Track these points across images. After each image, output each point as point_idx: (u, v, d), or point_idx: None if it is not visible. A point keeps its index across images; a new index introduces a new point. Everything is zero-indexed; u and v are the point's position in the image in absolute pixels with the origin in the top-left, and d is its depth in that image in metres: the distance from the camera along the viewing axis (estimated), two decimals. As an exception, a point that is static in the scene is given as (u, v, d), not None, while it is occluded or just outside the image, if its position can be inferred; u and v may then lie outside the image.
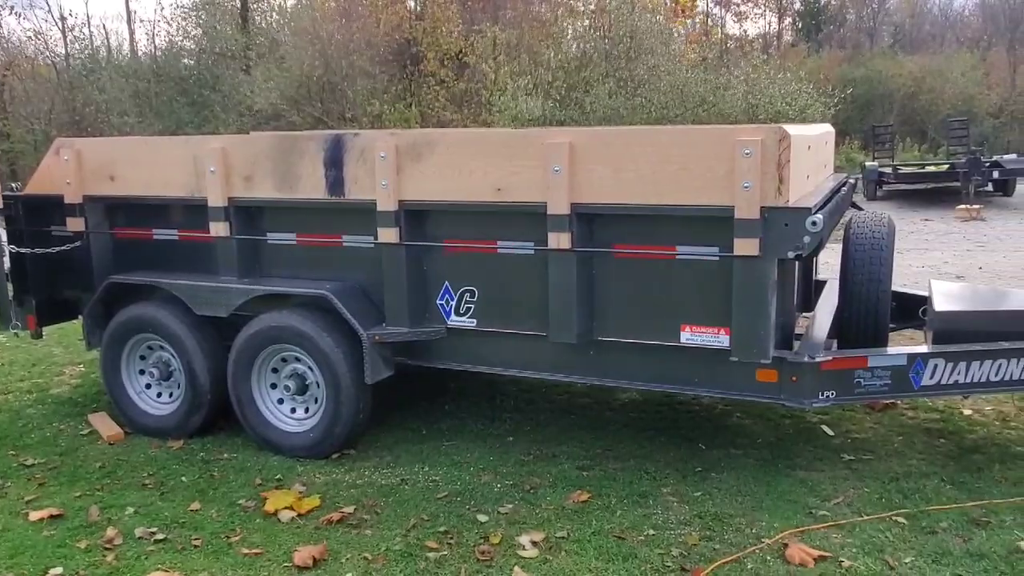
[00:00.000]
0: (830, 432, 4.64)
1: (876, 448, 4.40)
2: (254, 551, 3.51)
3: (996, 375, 3.88)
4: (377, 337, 4.22)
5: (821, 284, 5.31)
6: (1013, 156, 17.28)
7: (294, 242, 4.53)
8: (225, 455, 4.52)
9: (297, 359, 4.45)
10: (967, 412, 4.88)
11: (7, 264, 4.72)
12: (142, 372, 4.90)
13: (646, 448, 4.45)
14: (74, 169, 4.85)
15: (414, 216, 4.18)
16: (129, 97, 15.30)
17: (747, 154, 3.47)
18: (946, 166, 16.83)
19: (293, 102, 14.64)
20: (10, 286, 4.79)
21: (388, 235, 4.18)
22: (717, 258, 3.70)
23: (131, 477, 4.29)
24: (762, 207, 3.51)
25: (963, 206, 14.28)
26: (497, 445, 4.56)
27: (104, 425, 4.95)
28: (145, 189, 4.74)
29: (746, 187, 3.50)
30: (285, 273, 4.58)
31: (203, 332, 4.63)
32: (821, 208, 3.73)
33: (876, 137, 19.48)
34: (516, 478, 4.14)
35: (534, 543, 3.51)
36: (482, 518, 3.74)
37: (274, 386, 4.55)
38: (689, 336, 3.83)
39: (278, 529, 3.71)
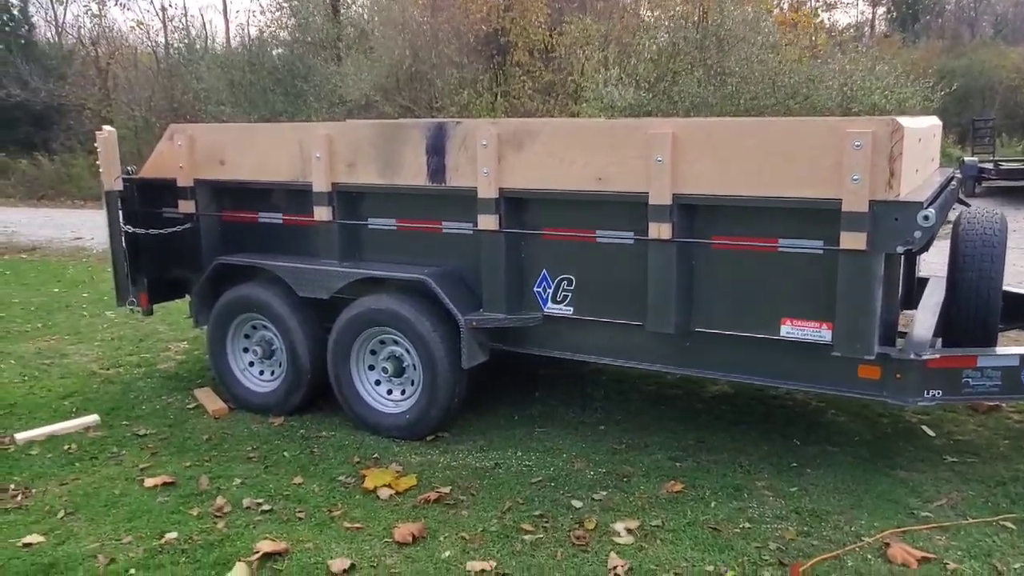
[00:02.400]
0: (931, 433, 4.52)
1: (980, 451, 4.27)
2: (355, 526, 3.62)
3: (1115, 379, 3.72)
4: (474, 322, 4.29)
5: (924, 281, 5.17)
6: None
7: (394, 227, 4.64)
8: (324, 433, 4.67)
9: (395, 342, 4.56)
10: (1078, 417, 4.69)
11: (124, 244, 4.96)
12: (246, 350, 5.09)
13: (739, 441, 4.42)
14: (186, 153, 5.05)
15: (514, 204, 4.23)
16: (225, 86, 15.82)
17: (857, 146, 3.41)
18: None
19: (383, 91, 14.91)
20: (127, 264, 5.03)
21: (488, 222, 4.24)
22: (821, 251, 3.64)
23: (236, 450, 4.47)
24: (871, 200, 3.44)
25: (1069, 204, 13.62)
26: (589, 433, 4.59)
27: (209, 400, 5.16)
28: (252, 173, 4.91)
29: (855, 180, 3.43)
30: (385, 258, 4.69)
31: (305, 313, 4.79)
32: (932, 202, 3.64)
33: (976, 131, 18.72)
34: (609, 466, 4.17)
35: (629, 530, 3.53)
36: (576, 504, 3.78)
37: (372, 368, 4.68)
38: (789, 330, 3.78)
39: (377, 506, 3.82)
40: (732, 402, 5.05)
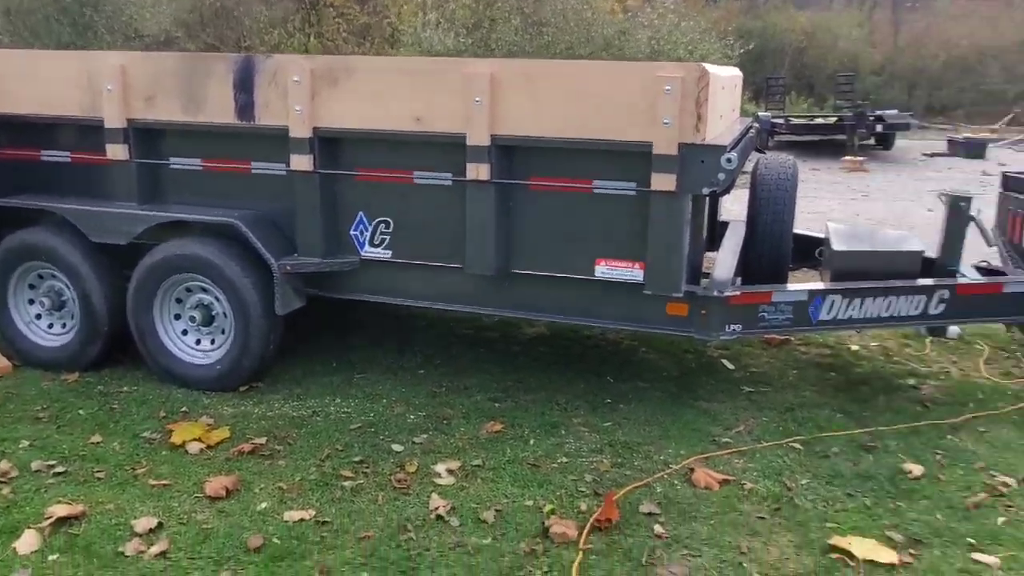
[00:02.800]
0: (730, 366, 4.83)
1: (773, 381, 4.62)
2: (162, 482, 3.42)
3: (886, 311, 4.11)
4: (288, 267, 4.12)
5: (725, 224, 5.48)
6: (894, 111, 18.09)
7: (200, 168, 4.35)
8: (125, 388, 4.36)
9: (203, 289, 4.30)
10: (854, 348, 5.16)
11: None
12: (32, 302, 4.65)
13: (556, 381, 4.54)
14: (-48, 82, 4.49)
15: (329, 144, 4.07)
16: (2, 14, 14.20)
17: (668, 91, 3.52)
18: (834, 119, 17.49)
19: (185, 27, 13.92)
20: None
21: (301, 163, 4.06)
22: (634, 193, 3.76)
23: (23, 410, 4.09)
24: (680, 144, 3.57)
25: (848, 157, 14.91)
26: (408, 378, 4.56)
27: (-11, 357, 4.69)
28: (34, 107, 4.44)
29: (666, 123, 3.55)
30: (190, 200, 4.40)
31: (99, 260, 4.42)
32: (734, 147, 3.83)
33: (769, 89, 20.01)
34: (429, 409, 4.16)
35: (450, 471, 3.55)
36: (397, 448, 3.75)
37: (178, 317, 4.40)
38: (604, 270, 3.89)
39: (186, 461, 3.62)
40: (549, 343, 5.18)
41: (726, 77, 4.43)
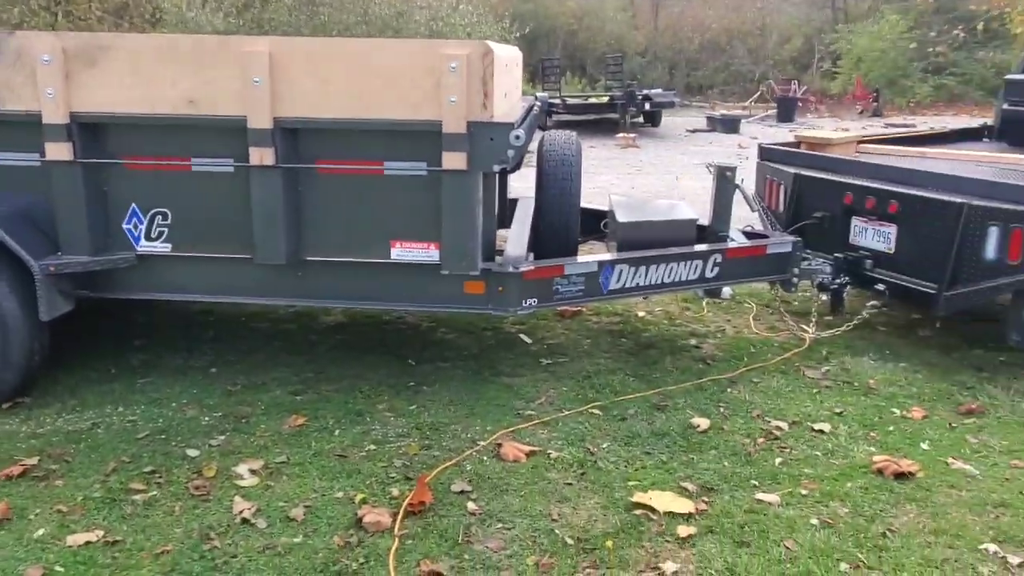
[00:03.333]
0: (528, 340, 4.95)
1: (569, 351, 4.78)
2: (-87, 520, 3.01)
3: (669, 277, 4.36)
4: (52, 268, 3.74)
5: (514, 202, 5.58)
6: (659, 90, 19.27)
7: (-66, 161, 3.84)
8: None
9: (-51, 298, 3.81)
10: (641, 314, 5.45)
11: None
12: None
13: (357, 368, 4.44)
14: None
15: (90, 130, 3.72)
16: None
17: (453, 68, 3.51)
18: (606, 98, 18.36)
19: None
20: None
21: (59, 151, 3.68)
22: (425, 173, 3.73)
23: None
24: (468, 121, 3.58)
25: (622, 135, 15.72)
26: (200, 378, 4.29)
27: None
28: None
29: (452, 101, 3.54)
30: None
31: None
32: (521, 124, 3.90)
33: (544, 71, 20.67)
34: (225, 409, 3.94)
35: (252, 471, 3.38)
36: (192, 453, 3.52)
37: (-80, 331, 3.87)
38: (399, 252, 3.85)
39: (-58, 492, 3.20)
40: (347, 330, 5.06)
41: (508, 56, 4.49)
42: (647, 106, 17.32)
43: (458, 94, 3.53)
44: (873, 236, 4.75)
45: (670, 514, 3.12)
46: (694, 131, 18.25)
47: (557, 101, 17.18)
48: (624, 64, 22.67)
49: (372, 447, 3.61)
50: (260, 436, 3.68)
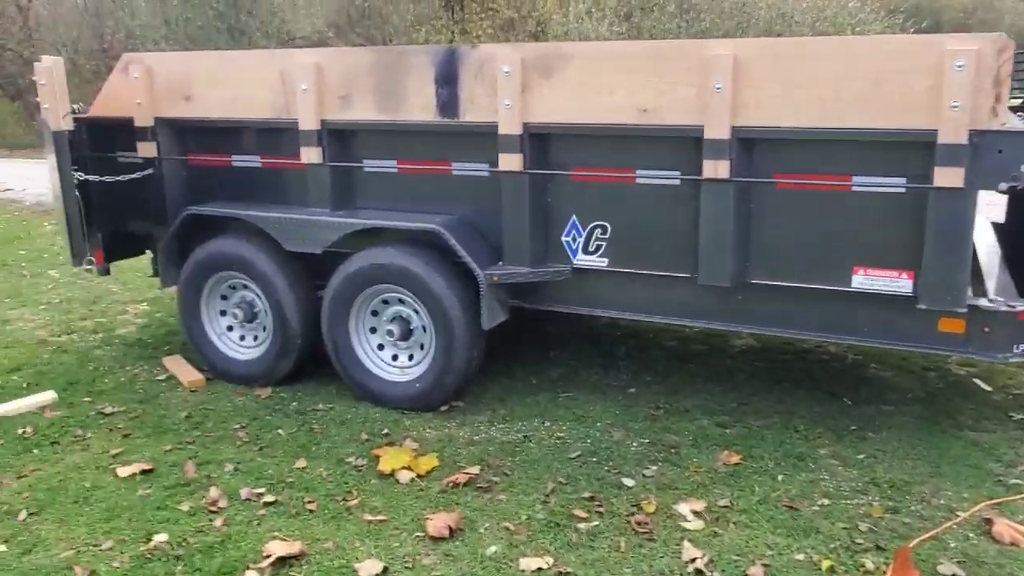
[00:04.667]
0: (987, 387, 4.18)
1: (1046, 406, 3.95)
2: (378, 517, 3.12)
3: None
4: (496, 278, 3.77)
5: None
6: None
7: (395, 170, 4.06)
8: (320, 406, 4.12)
9: (400, 301, 4.01)
10: None
11: (78, 194, 4.25)
12: (223, 313, 4.48)
13: (785, 402, 4.01)
14: (144, 88, 4.36)
15: (540, 141, 3.69)
16: (162, 23, 14.66)
17: (959, 67, 2.94)
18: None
19: (335, 27, 14.01)
20: (81, 218, 4.32)
21: (510, 162, 3.69)
22: (903, 190, 3.20)
23: (222, 429, 3.90)
24: (971, 131, 2.99)
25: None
26: (619, 397, 4.13)
27: (182, 370, 4.56)
28: (225, 110, 4.26)
29: (955, 107, 2.97)
30: (383, 205, 4.12)
31: (293, 270, 4.20)
32: (1032, 132, 3.21)
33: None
34: (651, 435, 3.72)
35: (695, 513, 3.09)
36: (628, 482, 3.32)
37: (374, 330, 4.12)
38: (863, 280, 3.35)
39: (399, 492, 3.31)
40: (764, 357, 4.64)
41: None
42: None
43: (963, 98, 2.95)
44: None
45: None
46: None
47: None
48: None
49: (825, 501, 3.16)
50: (695, 471, 3.40)
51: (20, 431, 3.90)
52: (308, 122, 4.03)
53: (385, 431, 3.82)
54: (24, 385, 4.46)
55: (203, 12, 13.90)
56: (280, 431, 3.86)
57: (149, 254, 4.94)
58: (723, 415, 3.90)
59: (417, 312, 3.97)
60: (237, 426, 3.92)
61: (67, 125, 4.15)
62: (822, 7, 12.91)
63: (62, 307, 5.88)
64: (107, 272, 4.74)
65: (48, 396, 4.24)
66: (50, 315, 5.69)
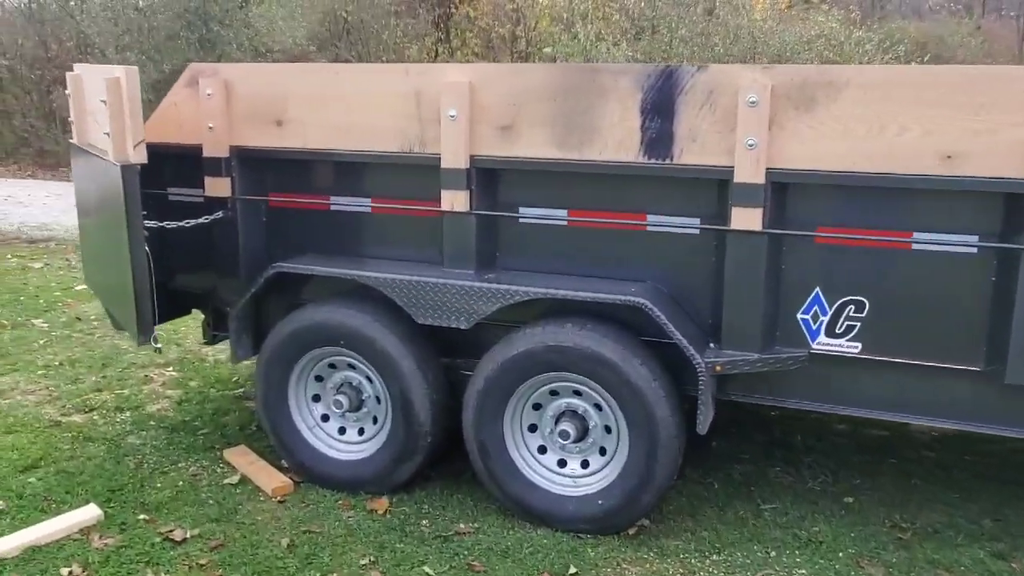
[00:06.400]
0: None
1: None
2: None
3: None
4: (719, 368, 2.89)
5: None
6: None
7: (563, 223, 3.16)
8: (462, 526, 3.16)
9: (575, 392, 3.09)
10: None
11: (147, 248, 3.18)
12: (316, 399, 3.50)
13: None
14: (219, 108, 3.38)
15: (784, 192, 2.84)
16: (124, 32, 13.36)
17: None
18: None
19: (317, 41, 12.95)
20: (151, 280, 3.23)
21: (746, 219, 2.83)
22: None
23: (344, 565, 2.91)
24: None
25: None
26: (840, 512, 3.28)
27: (258, 470, 3.54)
28: (331, 140, 3.31)
29: None
30: (539, 266, 3.21)
31: (422, 349, 3.25)
32: None
33: None
34: (914, 571, 2.88)
35: None
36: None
37: (533, 429, 3.20)
38: None
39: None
40: (977, 453, 3.86)
41: None
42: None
43: None
44: None
45: None
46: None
47: None
48: None
49: None
50: (1018, 635, 2.57)
51: (65, 572, 2.84)
52: (454, 158, 3.10)
53: (573, 570, 2.89)
54: (47, 492, 3.38)
55: (168, 19, 12.68)
56: (427, 569, 2.90)
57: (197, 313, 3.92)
58: (987, 540, 3.09)
59: (599, 408, 3.06)
60: (364, 560, 2.94)
61: (139, 158, 3.08)
62: (833, 32, 12.44)
63: (66, 373, 4.74)
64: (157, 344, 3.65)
65: (91, 513, 3.19)
66: (54, 384, 4.55)
